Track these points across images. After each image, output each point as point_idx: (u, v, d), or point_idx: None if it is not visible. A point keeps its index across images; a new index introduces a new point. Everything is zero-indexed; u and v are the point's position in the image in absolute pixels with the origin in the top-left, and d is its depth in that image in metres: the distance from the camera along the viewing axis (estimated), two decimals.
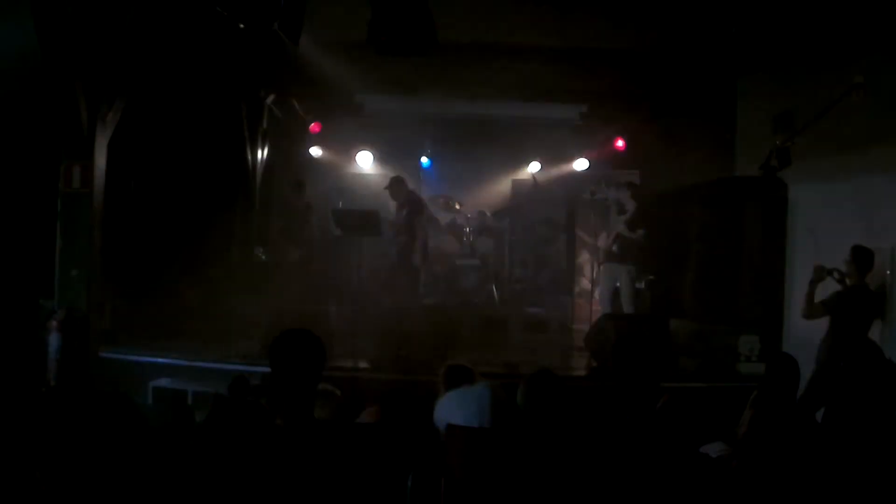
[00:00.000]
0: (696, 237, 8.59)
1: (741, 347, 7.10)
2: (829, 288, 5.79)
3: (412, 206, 8.36)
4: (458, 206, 9.71)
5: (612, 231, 8.18)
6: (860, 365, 3.44)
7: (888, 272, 5.72)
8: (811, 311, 5.78)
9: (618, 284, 8.12)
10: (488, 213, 9.87)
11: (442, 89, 8.92)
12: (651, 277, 8.53)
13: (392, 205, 8.56)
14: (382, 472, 3.19)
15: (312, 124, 10.05)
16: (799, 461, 3.11)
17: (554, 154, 10.36)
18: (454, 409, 4.02)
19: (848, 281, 5.65)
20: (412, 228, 8.27)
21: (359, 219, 7.96)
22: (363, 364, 6.81)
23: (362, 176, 10.37)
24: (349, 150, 10.33)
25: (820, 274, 5.76)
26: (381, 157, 10.34)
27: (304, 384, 2.68)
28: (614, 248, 8.14)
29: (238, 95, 8.64)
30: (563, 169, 10.42)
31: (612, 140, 9.90)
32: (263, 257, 8.81)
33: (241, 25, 4.79)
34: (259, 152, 9.48)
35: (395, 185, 8.39)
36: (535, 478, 2.93)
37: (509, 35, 7.29)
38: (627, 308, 7.97)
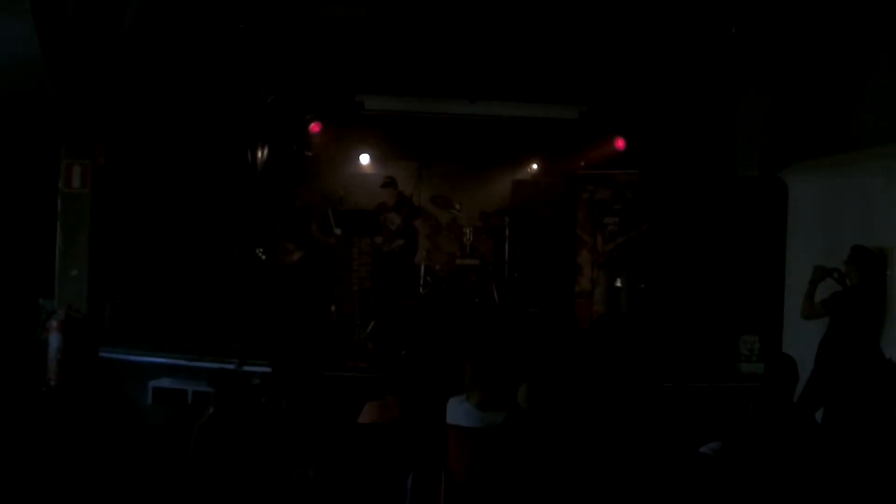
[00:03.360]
0: (696, 237, 8.59)
1: (741, 347, 7.11)
2: (829, 288, 5.78)
3: (405, 208, 8.38)
4: (458, 207, 9.71)
5: (608, 231, 8.19)
6: (861, 365, 3.44)
7: (888, 272, 5.71)
8: (811, 312, 5.78)
9: (617, 285, 8.13)
10: (488, 214, 9.87)
11: (442, 89, 8.92)
12: (650, 278, 8.53)
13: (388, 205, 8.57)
14: (382, 472, 3.20)
15: (312, 124, 10.04)
16: (797, 461, 3.11)
17: (554, 154, 10.35)
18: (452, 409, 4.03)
19: (848, 281, 5.64)
20: (409, 230, 8.29)
21: (359, 219, 7.97)
22: (363, 364, 6.81)
23: (362, 176, 10.36)
24: (349, 150, 10.32)
25: (820, 274, 5.75)
26: (381, 157, 10.33)
27: (304, 382, 2.69)
28: (611, 248, 8.15)
29: (238, 95, 8.64)
30: (563, 169, 10.41)
31: (612, 140, 9.90)
32: (263, 257, 8.81)
33: (242, 25, 4.79)
34: (259, 152, 9.47)
35: (389, 187, 8.42)
36: (535, 477, 2.93)
37: (509, 35, 7.30)
38: (626, 308, 7.97)
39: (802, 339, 6.40)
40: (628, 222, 8.05)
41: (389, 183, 8.50)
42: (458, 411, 3.92)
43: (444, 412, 4.04)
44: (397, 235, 8.31)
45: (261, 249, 8.78)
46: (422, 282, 8.75)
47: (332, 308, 8.32)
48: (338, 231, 8.19)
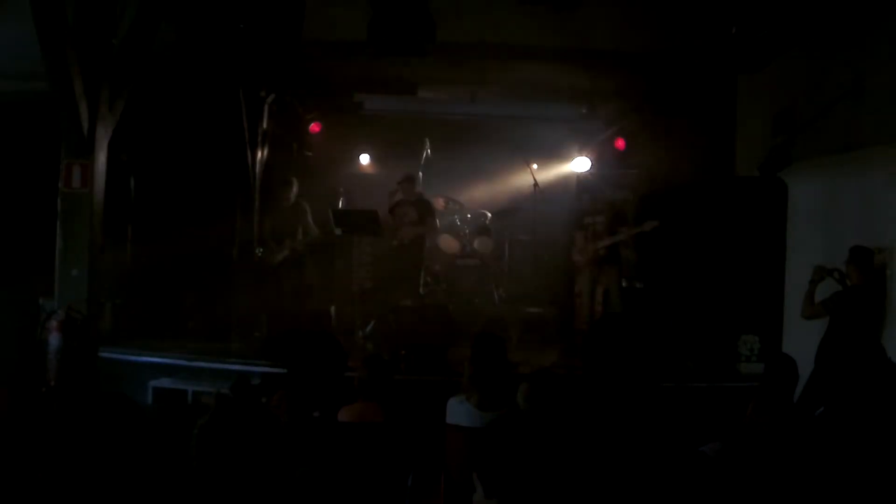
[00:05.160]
0: (696, 237, 8.59)
1: (741, 347, 7.10)
2: (829, 288, 5.78)
3: (423, 206, 8.37)
4: (458, 206, 9.71)
5: (590, 231, 8.15)
6: (866, 365, 3.44)
7: (888, 272, 5.71)
8: (811, 312, 5.78)
9: (609, 286, 8.11)
10: (488, 213, 9.87)
11: (442, 89, 8.93)
12: (649, 278, 8.53)
13: (389, 203, 8.55)
14: (382, 471, 3.19)
15: (312, 124, 10.04)
16: (797, 461, 3.11)
17: (554, 154, 10.35)
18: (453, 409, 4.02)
19: (848, 281, 5.65)
20: (422, 224, 8.28)
21: (359, 219, 7.96)
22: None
23: (362, 176, 10.37)
24: (349, 150, 10.33)
25: (820, 274, 5.75)
26: (381, 157, 10.34)
27: (321, 385, 2.71)
28: (601, 249, 8.15)
29: (238, 95, 8.64)
30: (563, 169, 10.42)
31: (612, 140, 9.90)
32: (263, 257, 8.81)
33: (241, 25, 4.79)
34: (259, 152, 9.48)
35: (408, 182, 8.40)
36: (535, 477, 2.93)
37: (509, 35, 7.29)
38: (617, 308, 7.94)
39: (802, 339, 6.40)
40: (615, 222, 8.02)
41: (409, 178, 8.47)
42: (458, 411, 3.92)
43: (444, 412, 4.05)
44: (412, 226, 8.28)
45: (261, 249, 8.78)
46: (422, 282, 8.75)
47: (332, 308, 8.31)
48: (338, 231, 8.18)
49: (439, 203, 9.55)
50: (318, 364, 2.75)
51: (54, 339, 5.09)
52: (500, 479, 2.49)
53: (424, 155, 9.38)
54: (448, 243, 9.32)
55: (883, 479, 2.80)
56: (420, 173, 9.36)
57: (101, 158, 5.49)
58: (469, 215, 9.75)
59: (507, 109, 9.98)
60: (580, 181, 10.19)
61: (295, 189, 8.56)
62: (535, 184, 9.52)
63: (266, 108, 9.28)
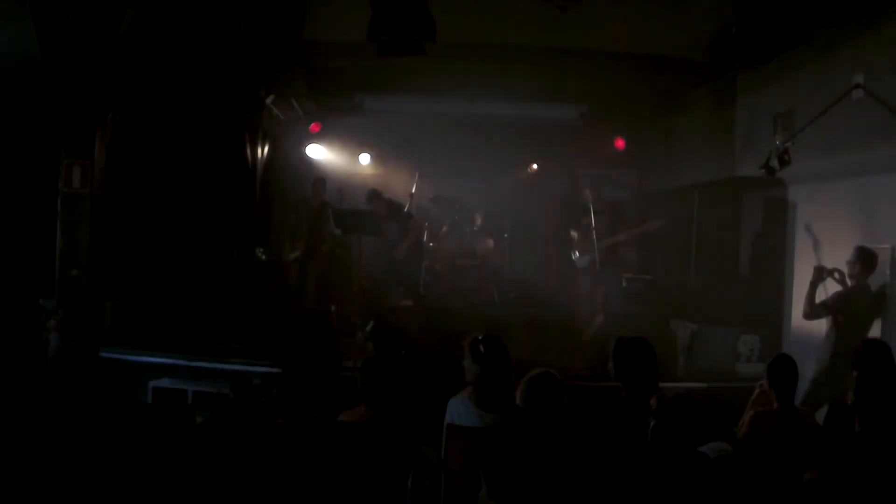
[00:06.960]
0: (696, 237, 8.59)
1: (741, 347, 7.10)
2: (829, 288, 5.78)
3: (397, 215, 8.38)
4: (458, 207, 9.72)
5: (599, 232, 8.15)
6: (873, 363, 3.44)
7: (888, 272, 5.71)
8: (812, 312, 5.78)
9: (609, 285, 8.10)
10: (488, 214, 9.87)
11: (442, 89, 8.92)
12: (649, 277, 8.53)
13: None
14: (382, 472, 3.19)
15: (312, 124, 10.05)
16: (799, 461, 3.11)
17: (554, 154, 10.36)
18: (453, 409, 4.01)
19: (849, 281, 5.65)
20: (406, 235, 8.31)
21: (358, 219, 7.96)
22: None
23: (362, 176, 10.37)
24: (349, 150, 10.33)
25: (820, 274, 5.75)
26: (381, 157, 10.34)
27: (316, 386, 2.72)
28: (600, 249, 8.15)
29: (238, 95, 8.64)
30: (563, 169, 10.42)
31: (612, 140, 9.91)
32: (263, 257, 8.81)
33: (242, 25, 4.79)
34: (259, 152, 9.48)
35: (373, 199, 8.40)
36: (535, 477, 2.93)
37: (509, 35, 7.29)
38: (617, 309, 7.94)
39: (802, 339, 6.40)
40: (616, 223, 8.00)
41: (374, 195, 8.48)
42: (459, 411, 3.91)
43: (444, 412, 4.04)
44: (397, 241, 8.31)
45: (261, 249, 8.77)
46: (422, 282, 8.75)
47: (332, 308, 8.31)
48: (338, 231, 8.19)
49: (439, 203, 9.54)
50: (312, 364, 2.75)
51: (54, 339, 5.08)
52: (502, 480, 2.49)
53: (424, 155, 9.40)
54: (448, 243, 9.33)
55: (885, 477, 2.80)
56: (419, 173, 9.37)
57: (101, 158, 5.48)
58: (469, 215, 9.76)
59: (507, 110, 9.98)
60: (581, 181, 10.20)
61: (325, 188, 8.61)
62: (536, 183, 9.54)
63: (266, 108, 9.28)
